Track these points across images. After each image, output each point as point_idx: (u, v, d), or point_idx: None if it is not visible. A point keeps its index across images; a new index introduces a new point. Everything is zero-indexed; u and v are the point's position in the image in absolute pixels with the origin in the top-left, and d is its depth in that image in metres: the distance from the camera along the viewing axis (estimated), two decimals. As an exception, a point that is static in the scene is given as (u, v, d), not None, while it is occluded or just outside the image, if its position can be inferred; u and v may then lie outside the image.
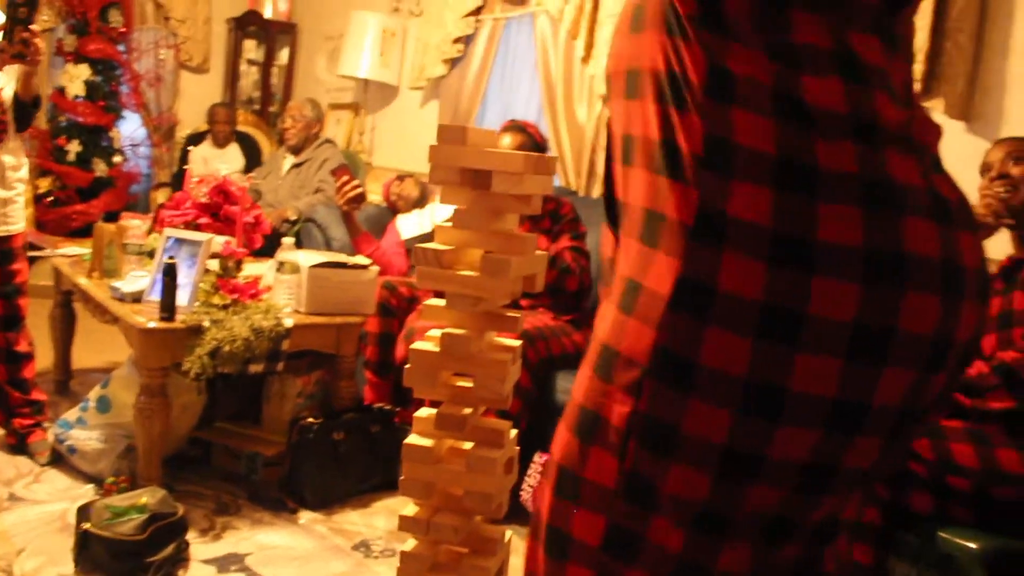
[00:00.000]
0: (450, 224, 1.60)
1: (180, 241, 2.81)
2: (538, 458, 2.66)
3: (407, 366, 1.63)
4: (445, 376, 1.67)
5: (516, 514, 2.77)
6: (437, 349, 1.61)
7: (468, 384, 1.63)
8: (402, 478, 1.65)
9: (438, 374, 1.64)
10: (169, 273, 2.60)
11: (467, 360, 1.60)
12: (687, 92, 0.98)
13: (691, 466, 0.97)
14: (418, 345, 1.64)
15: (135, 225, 3.12)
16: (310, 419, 2.78)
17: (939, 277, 0.94)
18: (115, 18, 5.42)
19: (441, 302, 1.61)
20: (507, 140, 3.11)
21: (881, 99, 0.97)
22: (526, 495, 2.65)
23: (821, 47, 0.97)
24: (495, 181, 1.54)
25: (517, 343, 1.71)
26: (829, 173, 0.93)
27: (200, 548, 2.42)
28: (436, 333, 1.64)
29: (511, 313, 1.65)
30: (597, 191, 4.13)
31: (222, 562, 2.36)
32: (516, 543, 2.65)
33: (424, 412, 1.69)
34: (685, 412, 0.95)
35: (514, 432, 1.75)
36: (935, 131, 1.04)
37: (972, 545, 1.87)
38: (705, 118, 0.96)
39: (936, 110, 2.94)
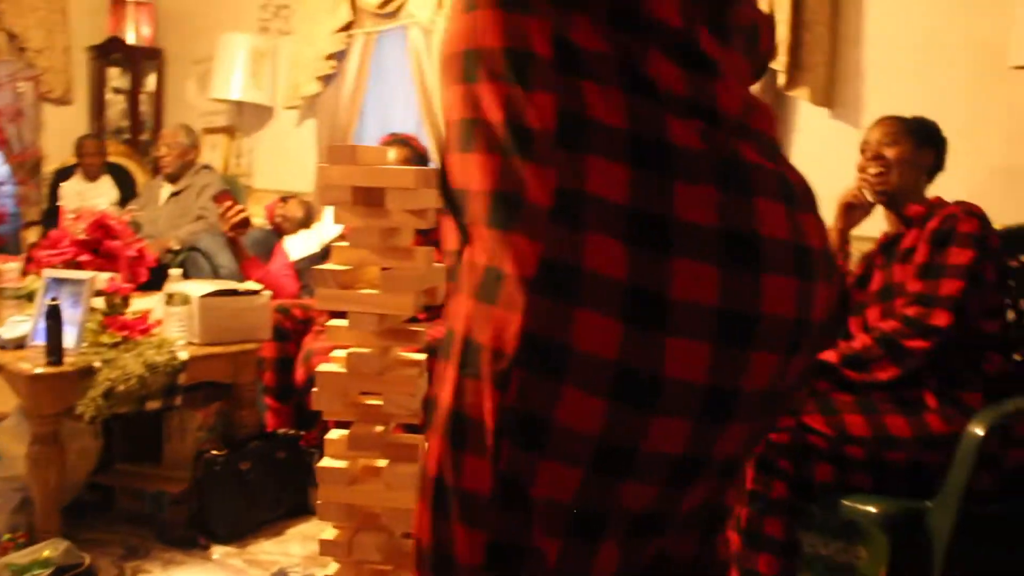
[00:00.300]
0: (345, 244, 1.61)
1: (60, 281, 2.71)
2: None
3: (314, 389, 1.63)
4: (353, 396, 1.68)
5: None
6: (344, 370, 1.61)
7: (378, 402, 1.64)
8: (319, 502, 1.65)
9: (346, 394, 1.64)
10: (53, 315, 2.50)
11: (375, 378, 1.61)
12: (532, 68, 0.93)
13: (564, 463, 0.92)
14: (324, 367, 1.64)
15: (9, 268, 2.99)
16: (214, 451, 2.72)
17: (792, 259, 0.94)
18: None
19: (343, 322, 1.61)
20: (392, 155, 3.10)
21: (719, 87, 0.97)
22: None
23: (670, 26, 0.96)
24: (388, 198, 1.55)
25: (422, 356, 1.73)
26: (682, 150, 0.91)
27: (110, 597, 2.35)
28: (341, 354, 1.64)
29: (413, 327, 1.66)
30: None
31: (135, 608, 2.30)
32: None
33: (335, 434, 1.69)
34: (558, 403, 0.90)
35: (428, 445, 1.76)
36: (770, 118, 1.04)
37: (871, 509, 1.97)
38: (555, 92, 0.92)
39: (802, 98, 3.09)
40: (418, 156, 3.16)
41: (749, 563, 1.98)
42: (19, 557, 2.27)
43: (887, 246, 2.28)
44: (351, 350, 1.61)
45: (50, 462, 2.51)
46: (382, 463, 1.67)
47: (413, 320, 3.07)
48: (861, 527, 2.16)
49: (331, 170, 1.56)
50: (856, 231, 2.41)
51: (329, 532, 1.68)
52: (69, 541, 2.36)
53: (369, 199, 1.58)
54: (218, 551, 2.62)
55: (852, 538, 2.21)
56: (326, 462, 1.66)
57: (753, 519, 1.98)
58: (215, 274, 3.82)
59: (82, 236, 3.06)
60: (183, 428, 2.88)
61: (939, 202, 2.21)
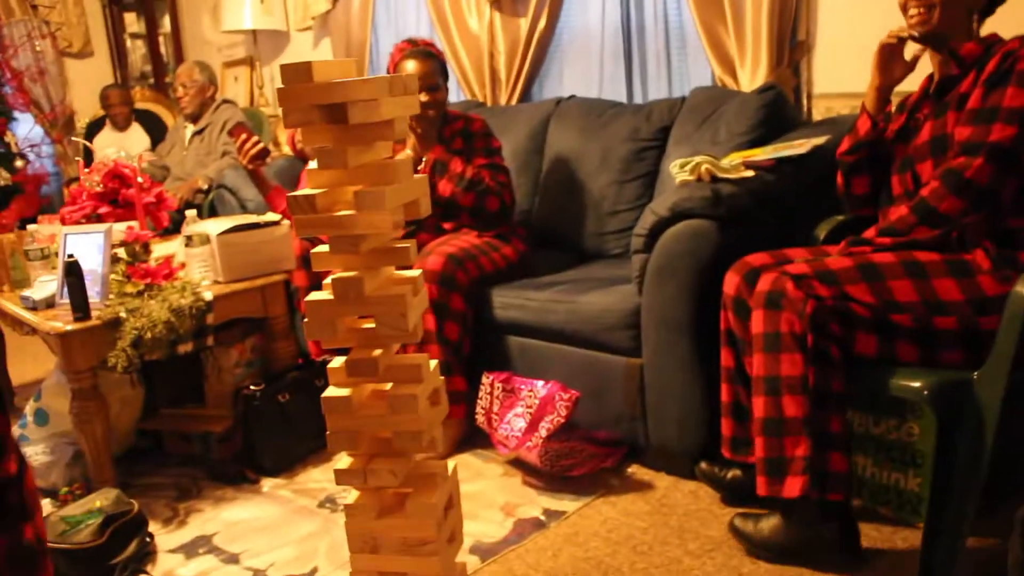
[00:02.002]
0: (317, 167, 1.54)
1: (80, 236, 2.71)
2: (486, 379, 2.64)
3: (304, 320, 1.59)
4: (349, 322, 1.63)
5: (474, 437, 2.78)
6: (331, 297, 1.56)
7: (372, 325, 1.59)
8: (328, 433, 1.62)
9: (338, 322, 1.59)
10: (73, 272, 2.51)
11: (364, 301, 1.56)
12: None
13: None
14: (312, 296, 1.59)
15: (33, 230, 3.00)
16: (252, 387, 2.73)
17: None
18: (-24, 18, 5.17)
19: (325, 248, 1.56)
20: (411, 66, 2.95)
21: None
22: (481, 418, 2.64)
23: None
24: (351, 112, 1.47)
25: (415, 274, 1.67)
26: None
27: (166, 538, 2.40)
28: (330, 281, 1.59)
29: (401, 244, 1.60)
30: (504, 99, 4.04)
31: (189, 547, 2.34)
32: (479, 467, 2.66)
33: (337, 362, 1.65)
34: None
35: (434, 363, 1.72)
36: None
37: (915, 384, 1.86)
38: None
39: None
40: (440, 64, 3.03)
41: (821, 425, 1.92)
42: (73, 509, 2.32)
43: (940, 92, 2.06)
44: (336, 275, 1.56)
45: (93, 415, 2.55)
46: (388, 387, 1.63)
47: (437, 231, 3.04)
48: (910, 403, 2.07)
49: (289, 91, 1.48)
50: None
51: (344, 461, 1.66)
52: (119, 490, 2.41)
53: (334, 116, 1.50)
54: (267, 484, 2.66)
55: (903, 415, 2.12)
56: (330, 391, 1.62)
57: (819, 378, 1.91)
58: (242, 208, 3.79)
59: (98, 189, 3.05)
60: (220, 367, 2.90)
61: (997, 39, 1.99)
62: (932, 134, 2.03)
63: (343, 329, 1.60)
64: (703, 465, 2.35)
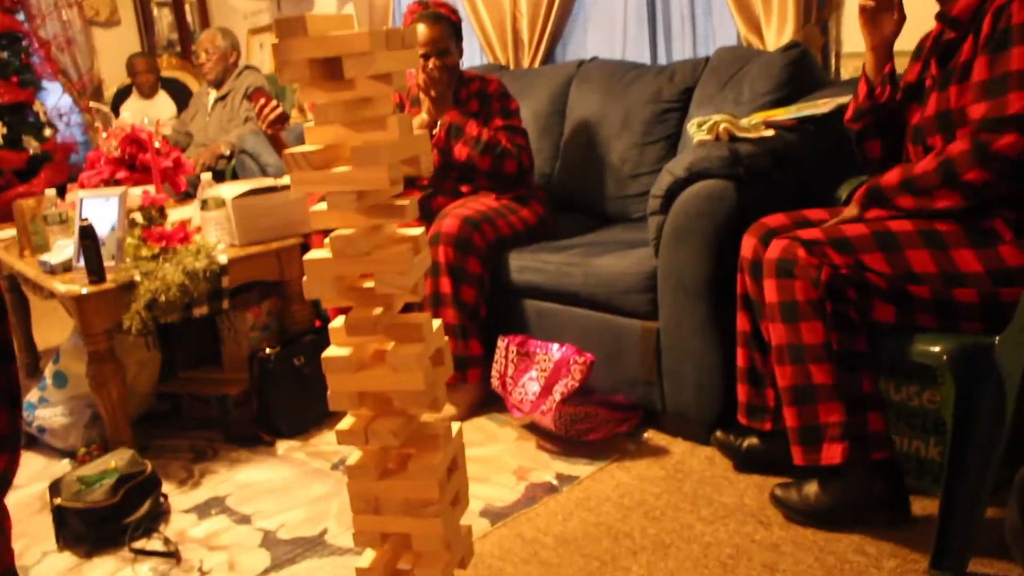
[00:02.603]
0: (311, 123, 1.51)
1: (96, 200, 2.71)
2: (501, 343, 2.62)
3: (304, 279, 1.57)
4: (351, 280, 1.61)
5: (491, 401, 2.76)
6: (330, 254, 1.54)
7: (372, 284, 1.56)
8: (328, 392, 1.60)
9: (339, 281, 1.57)
10: (87, 235, 2.51)
11: (363, 259, 1.53)
12: None
13: None
14: (311, 255, 1.56)
15: (49, 195, 3.01)
16: (267, 350, 2.73)
17: None
18: (6, -12, 5.19)
19: (323, 205, 1.53)
20: (421, 30, 2.90)
21: None
22: (496, 382, 2.61)
23: None
24: (346, 66, 1.43)
25: (417, 231, 1.64)
26: None
27: (180, 499, 2.41)
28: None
29: (400, 201, 1.56)
30: (526, 62, 3.98)
31: (202, 508, 2.35)
32: (493, 430, 2.65)
33: (338, 321, 1.63)
34: None
35: (437, 323, 1.69)
36: None
37: (935, 349, 1.82)
38: None
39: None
40: (452, 26, 2.96)
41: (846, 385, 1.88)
42: (89, 469, 2.34)
43: (941, 59, 1.96)
44: (334, 232, 1.53)
45: (109, 377, 2.56)
46: (390, 346, 1.61)
47: (455, 193, 3.00)
48: (931, 369, 2.01)
49: (283, 45, 1.45)
50: (911, 44, 2.12)
51: (346, 421, 1.64)
52: (134, 451, 2.42)
53: (330, 72, 1.47)
54: (282, 446, 2.66)
55: (924, 381, 2.06)
56: (330, 351, 1.60)
57: (842, 342, 1.87)
58: (263, 173, 3.78)
59: (115, 153, 3.05)
60: (236, 330, 2.90)
61: None
62: (937, 109, 1.93)
63: (343, 288, 1.58)
64: (718, 434, 2.31)
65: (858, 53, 3.01)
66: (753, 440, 2.24)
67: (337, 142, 1.53)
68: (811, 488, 1.99)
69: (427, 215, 2.91)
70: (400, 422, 1.61)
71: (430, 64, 2.83)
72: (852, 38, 3.03)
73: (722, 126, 2.33)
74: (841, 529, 1.95)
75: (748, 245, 2.10)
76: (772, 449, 2.19)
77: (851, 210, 2.02)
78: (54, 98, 5.86)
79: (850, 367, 1.88)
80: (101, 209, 2.69)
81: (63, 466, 2.68)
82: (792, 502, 2.02)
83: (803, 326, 1.89)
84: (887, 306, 1.89)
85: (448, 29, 2.92)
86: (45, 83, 5.63)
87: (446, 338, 1.72)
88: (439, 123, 2.91)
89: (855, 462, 1.89)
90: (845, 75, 3.05)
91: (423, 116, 2.94)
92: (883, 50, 2.08)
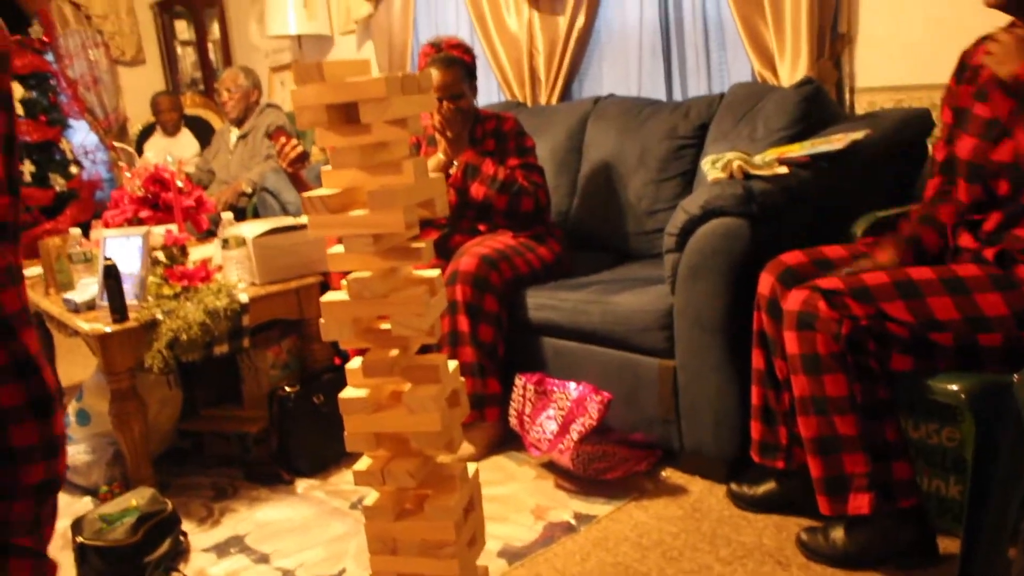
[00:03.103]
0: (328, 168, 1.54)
1: (120, 239, 2.76)
2: (519, 381, 2.62)
3: (321, 320, 1.58)
4: (368, 322, 1.62)
5: (509, 440, 2.76)
6: (347, 297, 1.56)
7: (389, 326, 1.58)
8: (345, 433, 1.62)
9: (357, 323, 1.59)
10: (111, 274, 2.55)
11: (380, 301, 1.55)
12: None
13: None
14: (328, 297, 1.58)
15: (74, 234, 3.06)
16: (287, 388, 2.75)
17: None
18: (35, 29, 5.30)
19: (340, 248, 1.55)
20: (434, 75, 2.92)
21: None
22: (513, 420, 2.62)
23: None
24: (362, 112, 1.46)
25: (433, 273, 1.66)
26: None
27: (200, 537, 2.42)
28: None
29: (416, 244, 1.58)
30: (544, 98, 4.02)
31: (222, 547, 2.36)
32: (512, 469, 2.64)
33: (355, 363, 1.64)
34: None
35: (453, 364, 1.70)
36: None
37: (953, 387, 1.80)
38: None
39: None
40: (465, 69, 2.98)
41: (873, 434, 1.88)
42: (111, 507, 2.35)
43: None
44: (351, 275, 1.55)
45: (131, 415, 2.59)
46: (406, 387, 1.62)
47: (472, 232, 3.02)
48: (950, 407, 2.00)
49: (301, 91, 1.48)
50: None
51: (363, 462, 1.65)
52: (154, 489, 2.43)
53: (347, 116, 1.50)
54: (301, 485, 2.67)
55: (944, 419, 2.05)
56: (347, 392, 1.62)
57: (865, 393, 1.87)
58: (283, 211, 3.83)
59: (139, 192, 3.10)
60: (256, 368, 2.92)
61: None
62: (1015, 154, 1.87)
63: (360, 329, 1.60)
64: (732, 486, 2.30)
65: (872, 88, 3.03)
66: (769, 485, 2.23)
67: (354, 185, 1.56)
68: (837, 533, 1.98)
69: (445, 253, 2.94)
70: (417, 463, 1.62)
71: (444, 107, 2.86)
72: (866, 73, 3.04)
73: (736, 164, 2.34)
74: (860, 568, 1.93)
75: (766, 283, 2.10)
76: (788, 491, 2.18)
77: (890, 257, 2.01)
78: (80, 136, 5.97)
79: (873, 416, 1.88)
80: (124, 248, 2.73)
81: (85, 503, 2.70)
82: (819, 547, 2.00)
83: (826, 378, 1.88)
84: (905, 357, 1.87)
85: (461, 72, 2.93)
86: (72, 121, 5.73)
87: (462, 379, 1.73)
88: (455, 163, 2.93)
89: (882, 511, 1.87)
90: (860, 110, 3.07)
91: (439, 156, 2.96)
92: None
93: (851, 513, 1.89)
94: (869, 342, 1.86)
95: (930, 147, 2.78)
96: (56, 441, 1.59)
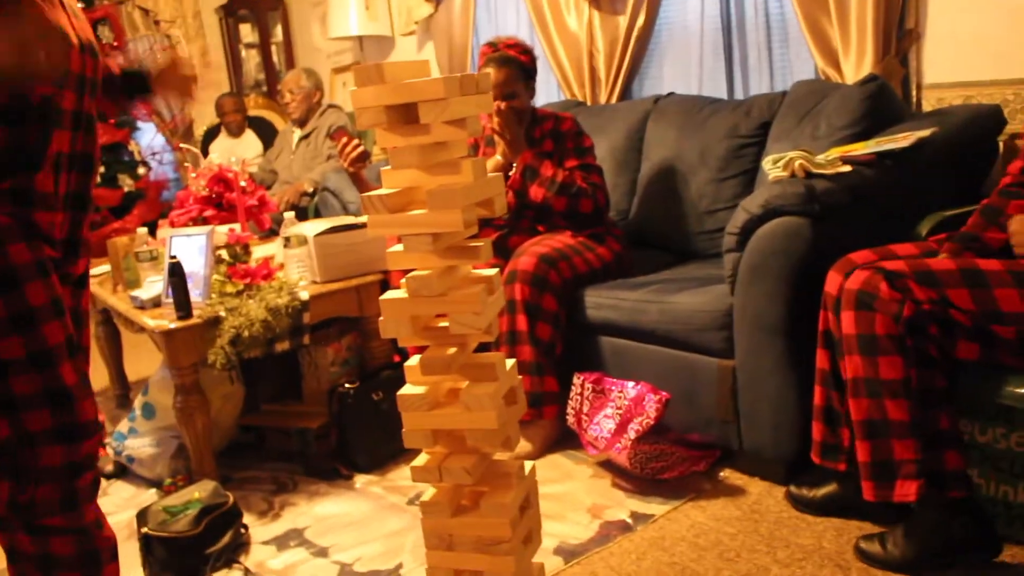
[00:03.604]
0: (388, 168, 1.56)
1: (184, 238, 2.82)
2: (577, 380, 2.62)
3: (380, 319, 1.60)
4: (426, 320, 1.64)
5: (567, 438, 2.75)
6: (406, 295, 1.57)
7: (447, 324, 1.59)
8: (403, 430, 1.63)
9: (415, 320, 1.60)
10: (176, 272, 2.61)
11: (438, 299, 1.56)
12: None
13: None
14: (387, 295, 1.60)
15: (141, 233, 3.13)
16: (347, 384, 2.78)
17: None
18: (105, 34, 5.43)
19: (400, 247, 1.57)
20: (492, 74, 2.92)
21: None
22: (571, 419, 2.61)
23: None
24: (421, 112, 1.47)
25: (492, 272, 1.66)
26: None
27: (260, 530, 2.46)
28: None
29: (475, 243, 1.59)
30: (603, 98, 4.01)
31: (281, 540, 2.40)
32: (569, 467, 2.64)
33: (414, 360, 1.66)
34: None
35: (511, 362, 1.71)
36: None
37: (1022, 391, 1.76)
38: None
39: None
40: (522, 68, 2.98)
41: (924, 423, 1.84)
42: (174, 499, 2.41)
43: None
44: (410, 274, 1.56)
45: (195, 410, 2.64)
46: (464, 384, 1.63)
47: (531, 232, 3.02)
48: (1019, 411, 1.95)
49: (361, 92, 1.50)
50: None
51: (421, 458, 1.66)
52: (216, 482, 2.49)
53: (406, 117, 1.51)
54: (360, 480, 2.70)
55: (1013, 423, 1.99)
56: (405, 389, 1.63)
57: (921, 378, 1.84)
58: (344, 211, 3.87)
59: (204, 192, 3.16)
60: (316, 365, 2.96)
61: None
62: None
63: (419, 327, 1.61)
64: (792, 489, 2.27)
65: (940, 84, 2.96)
66: (829, 488, 2.19)
67: (413, 185, 1.57)
68: (896, 539, 1.94)
69: (503, 253, 2.94)
70: (473, 460, 1.63)
71: (497, 107, 2.86)
72: (934, 69, 2.98)
73: (797, 162, 2.31)
74: (923, 574, 1.89)
75: (833, 282, 2.07)
76: (849, 494, 2.14)
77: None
78: (148, 138, 6.09)
79: (928, 404, 1.84)
80: (188, 246, 2.79)
81: (150, 495, 2.77)
82: (877, 555, 1.96)
83: (881, 360, 1.85)
84: (971, 344, 1.84)
85: (516, 72, 2.92)
86: (140, 123, 5.86)
87: (519, 377, 1.74)
88: (514, 165, 2.93)
89: (930, 501, 1.84)
90: (927, 107, 3.00)
91: (498, 158, 2.97)
92: None
93: (897, 500, 1.86)
94: (931, 327, 1.83)
95: (1001, 145, 2.71)
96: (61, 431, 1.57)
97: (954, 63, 2.92)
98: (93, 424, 1.61)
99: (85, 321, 1.76)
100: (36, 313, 1.51)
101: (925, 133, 2.37)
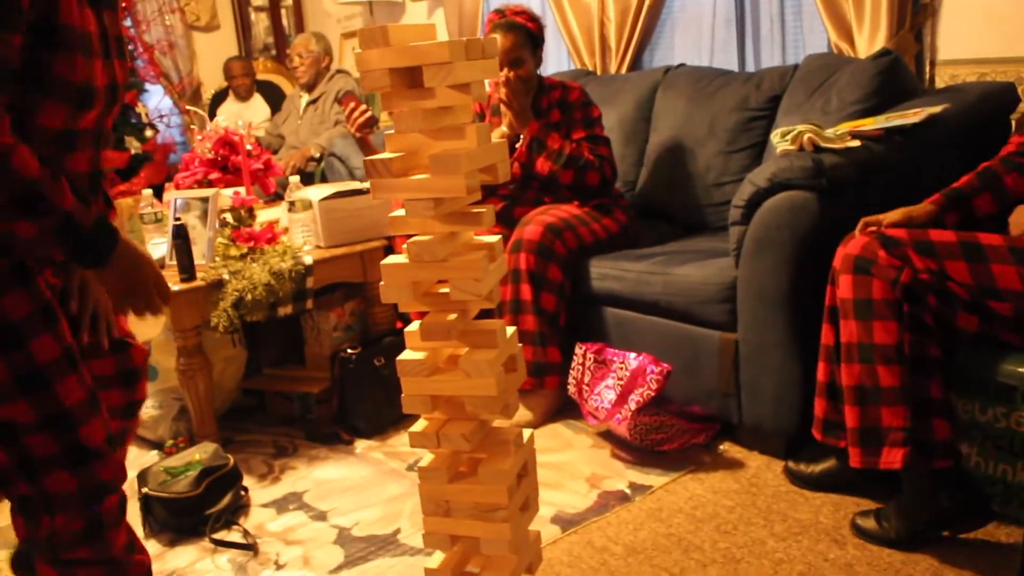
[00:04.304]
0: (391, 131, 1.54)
1: (189, 201, 2.81)
2: (579, 350, 2.62)
3: (381, 283, 1.60)
4: (427, 286, 1.63)
5: (567, 408, 2.76)
6: (407, 260, 1.57)
7: (447, 290, 1.58)
8: (402, 395, 1.63)
9: (416, 286, 1.60)
10: (179, 235, 2.60)
11: (440, 265, 1.55)
12: None
13: None
14: (389, 260, 1.59)
15: (145, 195, 3.12)
16: (349, 350, 2.78)
17: None
18: (114, -8, 5.39)
19: (402, 212, 1.56)
20: (498, 40, 2.88)
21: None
22: (572, 389, 2.61)
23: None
24: (426, 76, 1.46)
25: (494, 239, 1.66)
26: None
27: (260, 493, 2.47)
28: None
29: (477, 209, 1.58)
30: (614, 67, 3.97)
31: (281, 503, 2.41)
32: (569, 437, 2.65)
33: (413, 326, 1.65)
34: None
35: (511, 329, 1.70)
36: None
37: (1022, 369, 1.76)
38: None
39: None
40: (529, 35, 2.94)
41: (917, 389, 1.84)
42: (175, 460, 2.42)
43: None
44: (412, 239, 1.56)
45: (196, 372, 2.65)
46: (464, 351, 1.63)
47: (538, 202, 3.01)
48: (1020, 390, 1.94)
49: (365, 54, 1.48)
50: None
51: (419, 424, 1.66)
52: (217, 444, 2.50)
53: (411, 81, 1.49)
54: (361, 445, 2.71)
55: (1012, 402, 1.99)
56: (405, 355, 1.63)
57: (915, 345, 1.83)
58: (351, 176, 3.86)
59: (209, 155, 3.15)
60: (319, 329, 2.97)
61: None
62: None
63: (420, 293, 1.61)
64: (791, 464, 2.27)
65: (954, 60, 2.93)
66: (828, 464, 2.19)
67: (416, 149, 1.56)
68: (890, 515, 1.95)
69: (508, 223, 2.93)
70: (472, 427, 1.63)
71: (505, 75, 2.83)
72: (948, 45, 2.94)
73: (806, 136, 2.29)
74: (919, 550, 1.89)
75: (840, 256, 2.06)
76: (848, 471, 2.14)
77: (926, 210, 1.99)
78: (156, 100, 6.07)
79: (920, 371, 1.84)
80: (193, 208, 2.78)
81: (151, 456, 2.78)
82: (872, 531, 1.97)
83: (876, 324, 1.86)
84: (971, 316, 1.84)
85: (523, 38, 2.88)
86: (148, 85, 5.84)
87: (519, 345, 1.73)
88: (521, 136, 2.91)
89: (916, 469, 1.84)
90: (940, 83, 2.97)
91: (503, 129, 2.94)
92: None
93: (883, 467, 1.86)
94: (929, 296, 1.83)
95: (1013, 123, 2.68)
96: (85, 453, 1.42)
97: (969, 39, 2.88)
98: (107, 444, 1.45)
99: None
100: (19, 327, 1.33)
101: (936, 109, 2.34)
